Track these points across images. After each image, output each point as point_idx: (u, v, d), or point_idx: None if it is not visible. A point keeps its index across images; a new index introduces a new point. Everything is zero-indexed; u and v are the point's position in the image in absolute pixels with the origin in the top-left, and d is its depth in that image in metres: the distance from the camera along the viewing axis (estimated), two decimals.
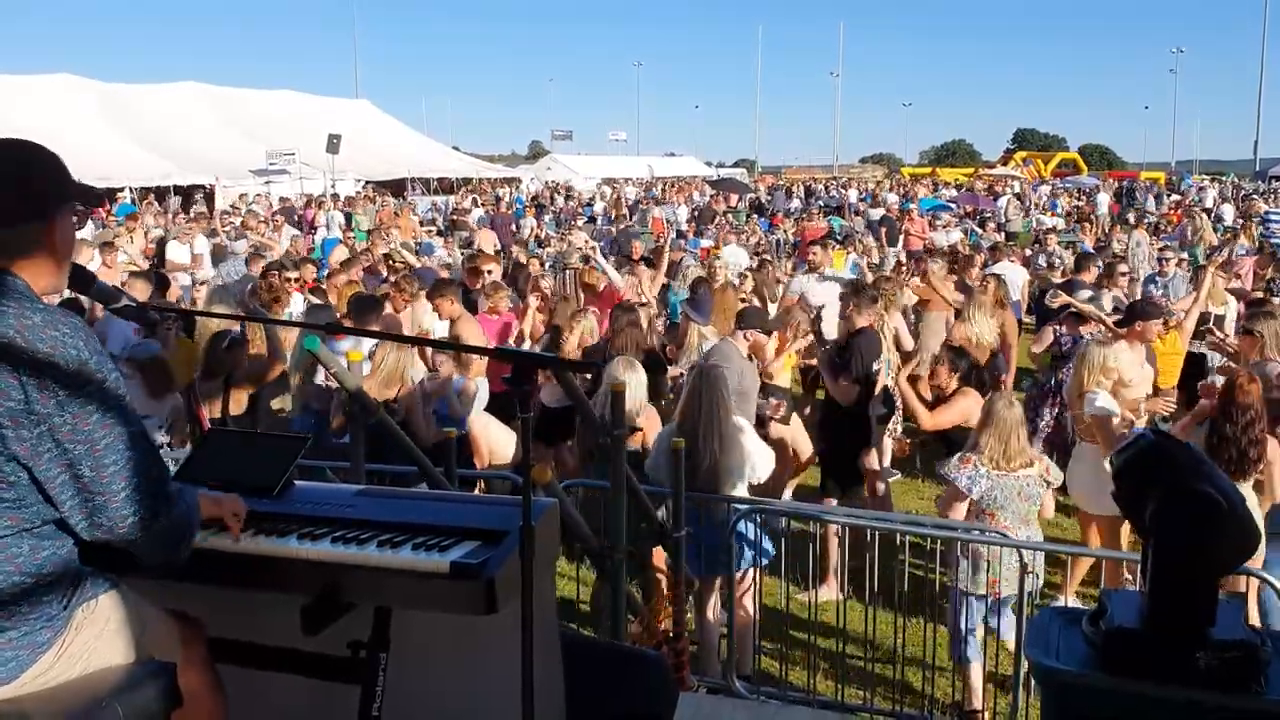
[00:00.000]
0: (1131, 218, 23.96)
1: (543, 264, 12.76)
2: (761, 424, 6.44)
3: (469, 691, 2.60)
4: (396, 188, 34.81)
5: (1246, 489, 4.59)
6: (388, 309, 7.85)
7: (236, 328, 6.15)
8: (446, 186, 38.50)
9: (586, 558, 5.02)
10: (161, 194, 27.83)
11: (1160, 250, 12.75)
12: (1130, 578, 5.38)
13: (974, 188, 37.67)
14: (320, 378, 6.43)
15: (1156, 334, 6.93)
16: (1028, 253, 15.89)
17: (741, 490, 5.05)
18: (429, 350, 7.16)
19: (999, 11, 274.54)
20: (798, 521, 5.31)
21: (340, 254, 13.33)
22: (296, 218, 22.94)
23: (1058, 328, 7.97)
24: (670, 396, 6.97)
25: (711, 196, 30.17)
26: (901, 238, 18.81)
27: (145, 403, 5.41)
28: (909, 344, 8.64)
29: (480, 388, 7.09)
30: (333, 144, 31.21)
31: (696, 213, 26.22)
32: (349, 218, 22.35)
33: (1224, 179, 45.45)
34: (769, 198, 32.64)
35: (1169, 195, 34.94)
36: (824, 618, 5.30)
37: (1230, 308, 9.05)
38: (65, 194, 2.05)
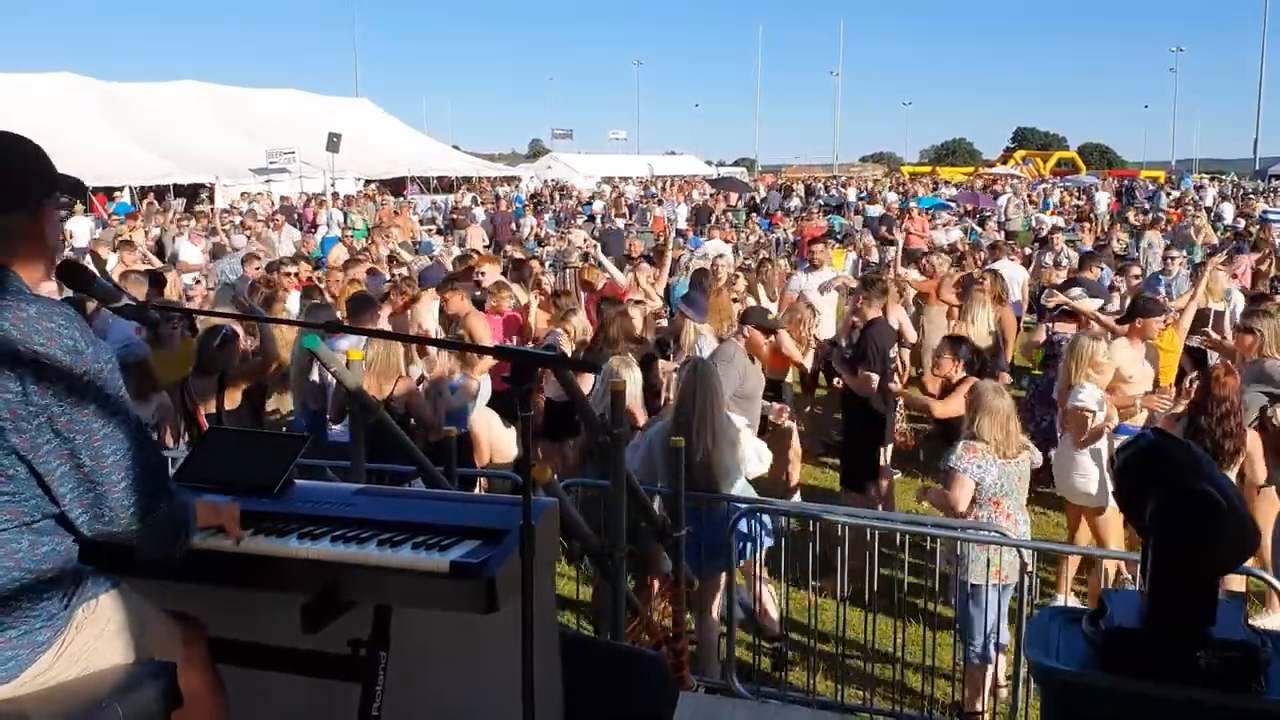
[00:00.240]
0: (1132, 217, 23.97)
1: (542, 262, 12.77)
2: (766, 428, 6.47)
3: (469, 690, 2.59)
4: (396, 187, 34.79)
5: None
6: (387, 311, 7.86)
7: (228, 324, 6.13)
8: (446, 185, 38.50)
9: (586, 557, 5.02)
10: (161, 193, 27.80)
11: (1164, 249, 12.76)
12: (1125, 573, 5.39)
13: (973, 187, 37.67)
14: (315, 375, 6.42)
15: (1157, 331, 6.94)
16: (1028, 251, 15.88)
17: (739, 485, 5.06)
18: (430, 350, 7.17)
19: (999, 11, 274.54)
20: (797, 521, 5.30)
21: (339, 253, 13.32)
22: (296, 216, 22.94)
23: (1050, 325, 7.98)
24: (667, 396, 6.99)
25: (711, 195, 30.18)
26: (902, 236, 18.81)
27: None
28: (912, 337, 8.70)
29: (482, 385, 7.10)
30: (333, 143, 31.16)
31: (695, 212, 26.25)
32: (346, 217, 22.36)
33: (1224, 178, 45.45)
34: (763, 197, 32.62)
35: (1169, 194, 34.95)
36: (824, 618, 5.30)
37: (1235, 298, 9.05)
38: (51, 185, 2.04)
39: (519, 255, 12.60)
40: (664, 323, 8.86)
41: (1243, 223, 21.89)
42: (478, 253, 12.76)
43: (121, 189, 27.73)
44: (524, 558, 2.12)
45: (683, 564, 4.52)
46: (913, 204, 24.78)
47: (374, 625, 2.43)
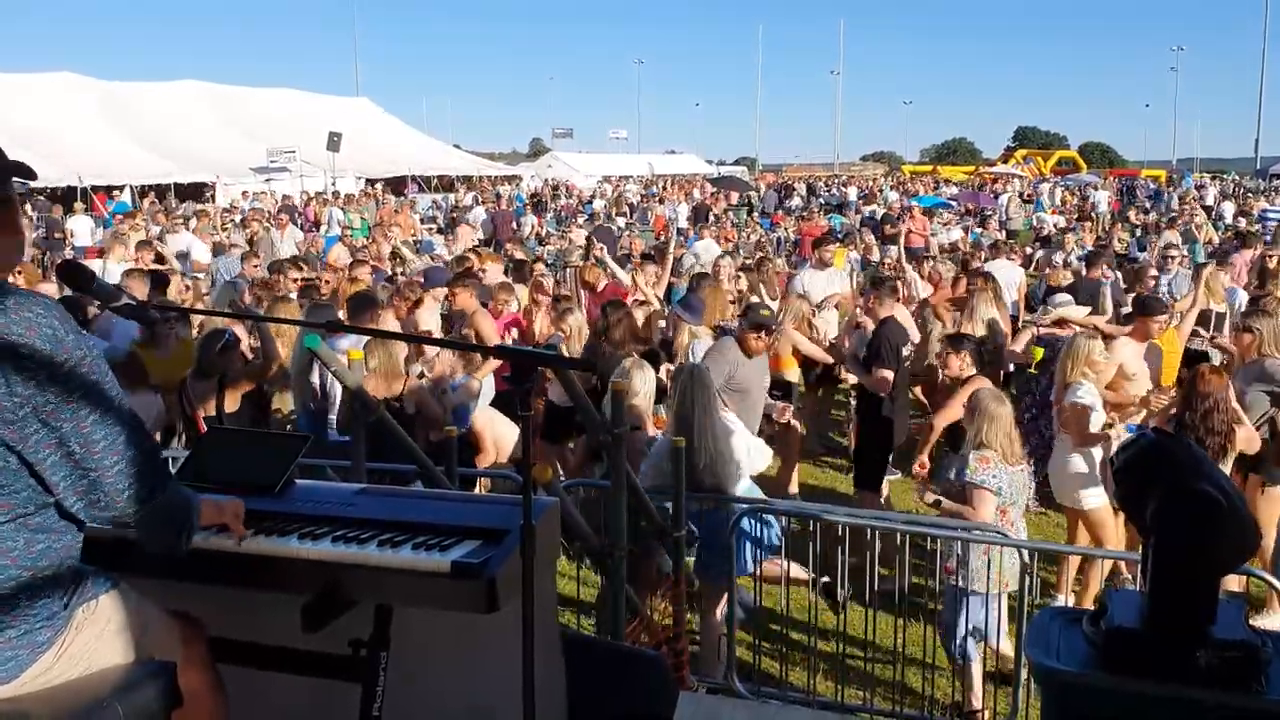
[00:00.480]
0: (1133, 216, 23.95)
1: (547, 264, 12.78)
2: (765, 427, 6.47)
3: (470, 690, 2.60)
4: (398, 186, 34.80)
5: None
6: (390, 315, 7.86)
7: (230, 329, 6.13)
8: (446, 184, 38.51)
9: (586, 557, 5.02)
10: (162, 192, 27.82)
11: (1164, 249, 12.76)
12: (1125, 572, 5.39)
13: (972, 186, 37.68)
14: (316, 377, 6.42)
15: (1157, 331, 6.94)
16: (1029, 251, 15.89)
17: (743, 484, 5.06)
18: (430, 350, 7.16)
19: (999, 10, 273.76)
20: (797, 521, 5.30)
21: (339, 252, 13.32)
22: (297, 216, 22.94)
23: (1036, 330, 8.00)
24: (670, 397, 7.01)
25: (711, 195, 30.18)
26: (902, 236, 18.79)
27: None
28: (915, 336, 8.70)
29: (485, 385, 7.11)
30: (333, 142, 31.21)
31: (694, 211, 26.26)
32: (346, 215, 22.37)
33: (1225, 177, 45.45)
34: (760, 197, 32.60)
35: (1169, 194, 34.97)
36: (824, 618, 5.30)
37: (1239, 298, 9.06)
38: (4, 173, 2.00)
39: (520, 255, 12.60)
40: (663, 322, 8.86)
41: (1243, 222, 21.89)
42: (478, 252, 12.75)
43: (121, 189, 27.74)
44: (524, 557, 2.12)
45: (683, 564, 4.52)
46: (913, 205, 24.76)
47: (375, 625, 2.43)
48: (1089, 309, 8.84)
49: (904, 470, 8.13)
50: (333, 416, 6.31)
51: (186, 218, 18.62)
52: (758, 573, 5.04)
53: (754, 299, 9.07)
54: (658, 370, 6.69)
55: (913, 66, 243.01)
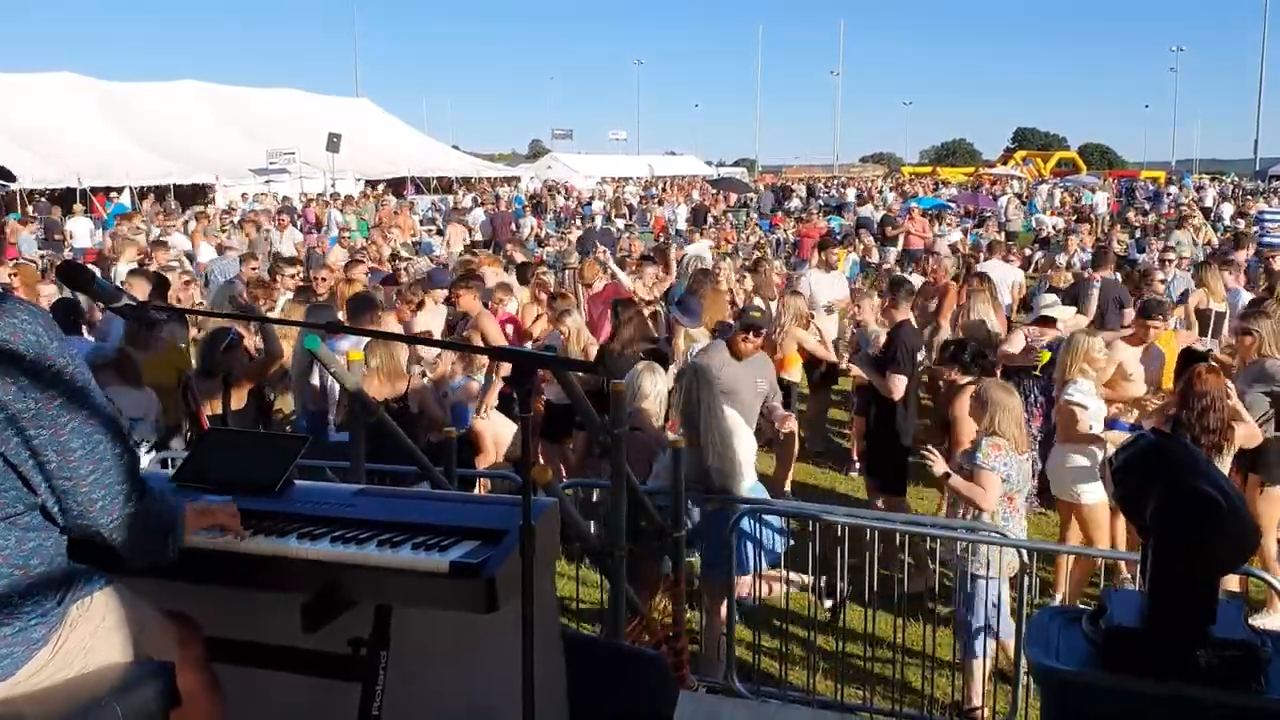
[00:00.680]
0: (1132, 217, 23.94)
1: (549, 265, 12.79)
2: (768, 426, 6.47)
3: (469, 690, 2.60)
4: (397, 187, 34.80)
5: None
6: (392, 316, 7.86)
7: (234, 328, 6.13)
8: (446, 185, 38.50)
9: (587, 557, 5.02)
10: (161, 194, 27.81)
11: (1162, 250, 12.76)
12: (1125, 572, 5.39)
13: (971, 188, 37.69)
14: (315, 378, 6.42)
15: (1154, 334, 6.93)
16: (1028, 252, 15.89)
17: (748, 483, 5.06)
18: (429, 351, 7.17)
19: (999, 11, 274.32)
20: (797, 522, 5.30)
21: (338, 253, 13.33)
22: (296, 217, 22.96)
23: (1027, 330, 7.98)
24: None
25: (712, 196, 30.20)
26: (901, 237, 18.81)
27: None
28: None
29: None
30: (333, 143, 31.21)
31: (693, 212, 26.27)
32: (344, 217, 22.39)
33: (1224, 178, 45.46)
34: (756, 199, 32.60)
35: (1168, 194, 35.00)
36: (824, 617, 5.30)
37: (1242, 298, 9.06)
38: None
39: (520, 256, 12.61)
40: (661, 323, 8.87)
41: (1241, 223, 21.91)
42: (475, 253, 12.76)
43: (121, 189, 27.73)
44: (524, 557, 2.12)
45: (683, 564, 4.52)
46: (913, 205, 24.78)
47: (374, 625, 2.43)
48: (1074, 309, 8.81)
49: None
50: (332, 417, 6.31)
51: (185, 221, 18.63)
52: (759, 572, 5.04)
53: (758, 302, 9.09)
54: (666, 370, 6.71)
55: (912, 67, 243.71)
